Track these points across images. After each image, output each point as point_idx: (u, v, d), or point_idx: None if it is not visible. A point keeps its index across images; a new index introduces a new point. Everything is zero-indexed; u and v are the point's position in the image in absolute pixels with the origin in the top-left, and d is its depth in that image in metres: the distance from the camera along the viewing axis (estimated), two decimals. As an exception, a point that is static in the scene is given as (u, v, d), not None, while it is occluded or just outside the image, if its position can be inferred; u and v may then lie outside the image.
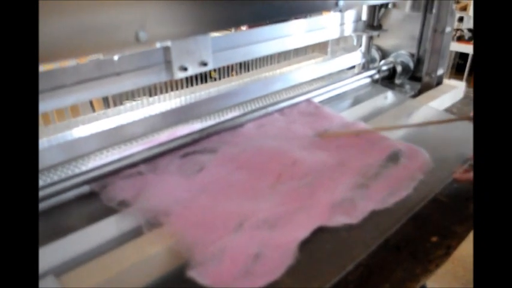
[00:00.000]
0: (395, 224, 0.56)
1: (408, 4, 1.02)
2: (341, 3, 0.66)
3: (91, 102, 0.85)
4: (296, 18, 0.87)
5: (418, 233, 0.56)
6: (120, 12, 0.52)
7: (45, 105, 0.57)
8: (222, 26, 0.63)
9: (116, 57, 0.60)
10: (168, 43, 0.64)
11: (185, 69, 0.67)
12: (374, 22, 1.03)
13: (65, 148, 0.61)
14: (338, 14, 0.96)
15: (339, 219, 0.54)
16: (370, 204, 0.57)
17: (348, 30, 1.00)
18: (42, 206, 0.56)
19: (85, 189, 0.59)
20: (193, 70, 0.69)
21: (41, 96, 0.56)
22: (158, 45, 0.65)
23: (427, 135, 0.77)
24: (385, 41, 1.09)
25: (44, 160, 0.59)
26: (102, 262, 0.47)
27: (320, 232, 0.53)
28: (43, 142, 0.60)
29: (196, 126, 0.73)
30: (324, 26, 0.93)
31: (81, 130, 0.64)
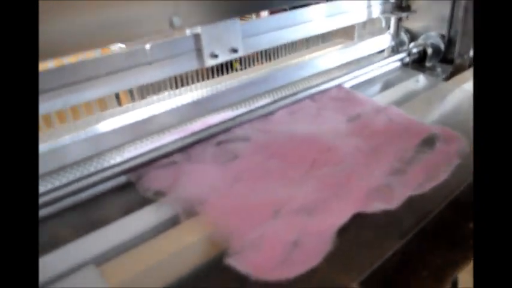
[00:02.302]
0: (433, 209, 0.55)
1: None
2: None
3: (117, 97, 0.85)
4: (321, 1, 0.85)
5: (456, 218, 0.55)
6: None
7: (77, 97, 0.57)
8: (254, 9, 0.62)
9: (147, 46, 0.60)
10: (198, 30, 0.64)
11: (216, 56, 0.67)
12: (402, 3, 1.00)
13: (100, 141, 0.62)
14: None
15: (376, 206, 0.53)
16: (407, 190, 0.56)
17: (376, 12, 0.98)
18: (80, 197, 0.57)
19: (121, 180, 0.60)
20: (223, 57, 0.69)
21: (72, 89, 0.56)
22: (188, 32, 0.65)
23: (463, 118, 0.75)
24: (414, 22, 1.06)
25: (79, 153, 0.60)
26: (141, 252, 0.47)
27: (357, 218, 0.52)
28: (79, 135, 0.61)
29: (228, 114, 0.72)
30: (351, 8, 0.91)
31: (114, 122, 0.64)
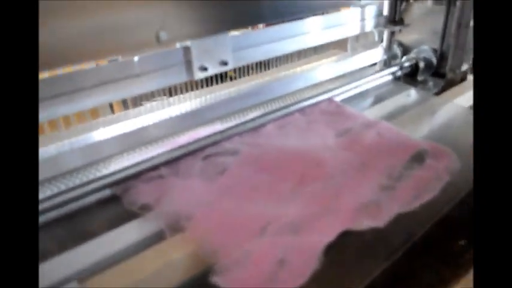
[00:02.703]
0: (422, 227, 0.54)
1: (431, -4, 1.00)
2: (363, -2, 0.64)
3: (110, 104, 0.84)
4: (315, 15, 0.85)
5: (445, 236, 0.55)
6: (140, 13, 0.51)
7: (66, 108, 0.57)
8: (242, 24, 0.62)
9: (136, 59, 0.60)
10: (188, 43, 0.64)
11: (205, 69, 0.67)
12: (396, 17, 1.00)
13: (86, 151, 0.61)
14: (358, 9, 0.94)
15: (364, 223, 0.53)
16: (396, 207, 0.55)
17: (369, 25, 0.98)
18: (64, 210, 0.56)
19: (106, 193, 0.59)
20: (213, 70, 0.68)
21: (61, 100, 0.56)
22: (178, 45, 0.64)
23: (454, 134, 0.75)
24: (407, 36, 1.06)
25: (65, 164, 0.59)
26: (125, 267, 0.47)
27: (345, 236, 0.51)
28: (64, 145, 0.60)
29: (217, 127, 0.72)
30: (344, 22, 0.91)
31: (101, 133, 0.64)
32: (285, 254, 0.48)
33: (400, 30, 1.03)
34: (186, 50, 0.64)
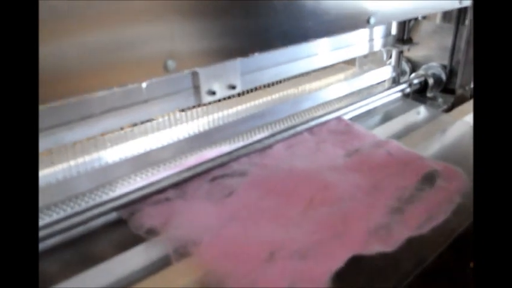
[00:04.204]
0: (433, 251, 0.53)
1: (439, 15, 0.99)
2: (372, 20, 0.64)
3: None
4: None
5: (457, 260, 0.53)
6: (147, 41, 0.51)
7: (74, 135, 0.57)
8: (252, 51, 0.62)
9: (144, 85, 0.60)
10: (196, 68, 0.64)
11: (213, 93, 0.66)
12: (404, 36, 1.00)
13: (92, 174, 0.61)
14: (366, 30, 0.94)
15: (374, 248, 0.52)
16: (407, 231, 0.54)
17: (377, 45, 0.98)
18: (69, 234, 0.55)
19: (112, 216, 0.59)
20: (221, 93, 0.68)
21: (69, 126, 0.56)
22: (186, 71, 0.64)
23: (464, 153, 0.73)
24: (415, 52, 1.06)
25: (71, 187, 0.59)
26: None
27: (354, 261, 0.50)
28: (71, 168, 0.60)
29: (224, 148, 0.71)
30: (352, 42, 0.91)
31: (108, 154, 0.64)
32: (293, 281, 0.47)
33: (408, 49, 1.03)
34: (194, 75, 0.65)
